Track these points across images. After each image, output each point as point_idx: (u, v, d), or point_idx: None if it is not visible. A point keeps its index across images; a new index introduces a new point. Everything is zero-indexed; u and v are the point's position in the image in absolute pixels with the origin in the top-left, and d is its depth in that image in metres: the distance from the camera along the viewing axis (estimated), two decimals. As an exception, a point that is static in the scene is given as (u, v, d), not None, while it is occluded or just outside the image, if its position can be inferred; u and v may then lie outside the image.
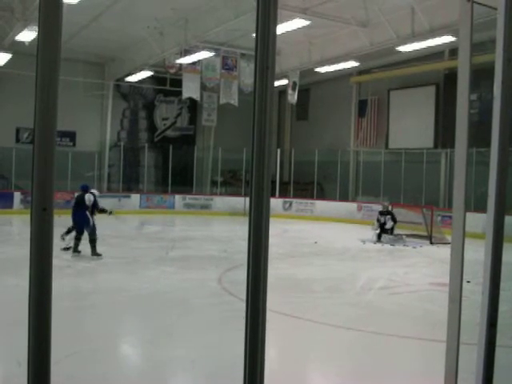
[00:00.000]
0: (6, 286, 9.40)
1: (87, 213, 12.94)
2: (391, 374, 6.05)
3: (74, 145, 27.35)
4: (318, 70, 24.65)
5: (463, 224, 3.06)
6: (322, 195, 28.70)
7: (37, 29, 1.73)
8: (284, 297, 9.20)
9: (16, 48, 20.85)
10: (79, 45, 21.79)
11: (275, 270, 10.22)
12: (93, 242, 12.82)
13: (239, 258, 11.21)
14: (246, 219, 2.26)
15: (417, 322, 8.41)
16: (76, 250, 12.87)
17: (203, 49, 22.71)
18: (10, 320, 6.88)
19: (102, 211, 13.66)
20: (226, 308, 8.62)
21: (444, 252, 12.89)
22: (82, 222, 12.91)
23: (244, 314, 2.23)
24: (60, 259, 11.70)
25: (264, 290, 2.23)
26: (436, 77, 23.84)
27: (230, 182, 30.97)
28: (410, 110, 25.04)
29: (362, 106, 27.95)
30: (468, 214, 3.10)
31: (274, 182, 27.65)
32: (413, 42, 18.60)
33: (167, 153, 29.07)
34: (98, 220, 13.39)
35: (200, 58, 23.80)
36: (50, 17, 1.71)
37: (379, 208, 19.60)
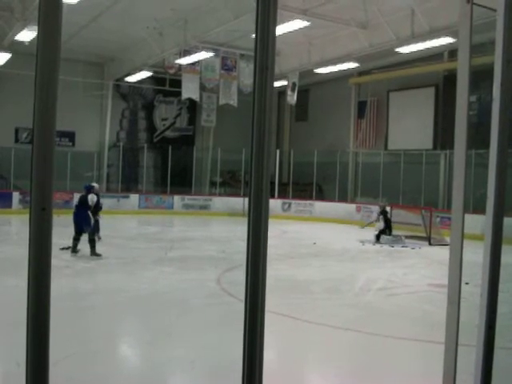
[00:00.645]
0: (5, 286, 9.39)
1: (89, 213, 12.96)
2: (389, 375, 6.05)
3: (73, 145, 27.36)
4: (317, 70, 24.67)
5: (462, 225, 3.06)
6: (321, 196, 28.71)
7: (36, 29, 1.73)
8: (283, 298, 9.19)
9: (15, 48, 20.85)
10: (79, 45, 21.80)
11: (274, 271, 10.21)
12: (92, 241, 12.83)
13: (238, 259, 11.22)
14: (245, 220, 2.26)
15: (415, 324, 8.40)
16: (74, 249, 12.89)
17: (203, 49, 22.71)
18: (8, 320, 6.87)
19: (100, 210, 13.57)
20: (224, 308, 8.61)
21: (443, 253, 12.89)
22: (82, 222, 12.92)
23: (243, 315, 2.23)
24: (59, 259, 11.69)
25: (263, 290, 2.23)
26: (435, 78, 23.85)
27: (229, 183, 30.98)
28: (410, 111, 25.05)
29: (362, 107, 27.96)
30: (467, 216, 3.10)
31: (273, 183, 27.66)
32: (412, 43, 18.62)
33: (166, 153, 29.07)
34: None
35: (199, 58, 23.81)
36: (50, 17, 1.71)
37: (378, 209, 19.64)
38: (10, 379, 5.31)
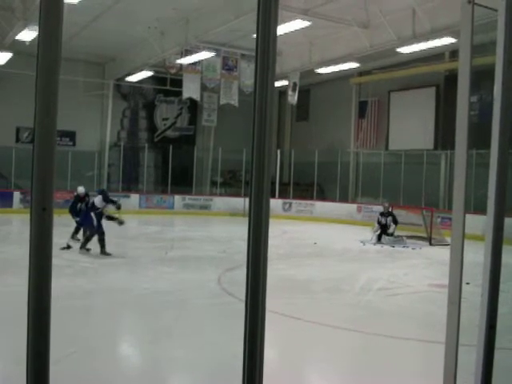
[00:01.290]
0: (6, 285, 9.40)
1: (92, 214, 13.13)
2: (390, 375, 6.04)
3: (74, 144, 27.36)
4: (318, 70, 24.66)
5: (463, 225, 3.06)
6: (322, 196, 28.70)
7: (37, 28, 1.73)
8: (283, 297, 9.19)
9: (16, 47, 20.87)
10: (80, 44, 21.81)
11: (275, 271, 10.21)
12: (101, 241, 13.05)
13: (239, 259, 11.23)
14: (246, 220, 2.26)
15: (416, 324, 8.40)
16: (84, 247, 13.26)
17: (204, 49, 22.73)
18: (9, 319, 6.88)
19: (111, 218, 13.79)
20: (225, 308, 8.62)
21: (443, 253, 12.89)
22: (85, 223, 13.18)
23: (243, 315, 2.23)
24: (59, 259, 11.69)
25: (263, 290, 2.23)
26: (436, 78, 23.84)
27: (229, 183, 30.98)
28: (411, 112, 25.04)
29: (363, 107, 27.96)
30: (468, 216, 3.10)
31: (273, 183, 27.67)
32: (413, 43, 18.61)
33: (167, 153, 29.07)
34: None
35: (200, 58, 23.82)
36: (51, 16, 1.71)
37: (379, 209, 19.60)
38: (10, 378, 5.31)
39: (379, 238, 18.07)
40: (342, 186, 28.10)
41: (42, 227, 1.71)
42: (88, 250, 13.18)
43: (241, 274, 2.41)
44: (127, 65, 25.94)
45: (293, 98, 26.08)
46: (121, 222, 13.65)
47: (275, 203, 26.51)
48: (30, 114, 1.84)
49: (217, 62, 24.96)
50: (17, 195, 24.01)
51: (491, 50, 3.10)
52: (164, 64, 24.79)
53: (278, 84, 26.57)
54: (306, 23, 18.22)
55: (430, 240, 18.12)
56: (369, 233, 18.87)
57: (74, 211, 15.09)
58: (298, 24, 18.14)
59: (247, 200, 2.26)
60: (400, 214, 19.88)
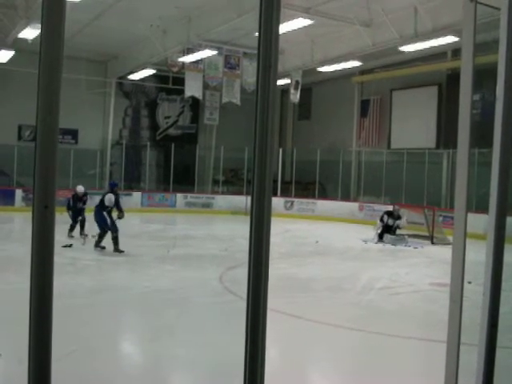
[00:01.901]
0: (8, 283, 9.42)
1: (104, 213, 13.17)
2: (391, 374, 6.04)
3: (76, 142, 27.36)
4: (320, 69, 24.64)
5: (465, 224, 3.06)
6: (324, 195, 28.68)
7: (40, 26, 1.73)
8: (285, 296, 9.20)
9: (19, 45, 20.87)
10: (82, 42, 21.80)
11: (276, 270, 10.22)
12: (115, 239, 13.13)
13: (240, 257, 11.23)
14: (248, 218, 2.26)
15: (418, 323, 8.40)
16: (98, 245, 13.37)
17: (206, 47, 22.72)
18: (10, 317, 6.89)
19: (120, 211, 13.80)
20: (226, 307, 8.62)
21: (445, 252, 12.87)
22: (98, 222, 13.21)
23: (245, 313, 2.23)
24: (61, 257, 11.71)
25: (265, 289, 2.23)
26: (439, 77, 23.81)
27: (231, 181, 30.98)
28: (413, 110, 25.01)
29: (365, 106, 27.94)
30: (469, 215, 3.10)
31: (275, 182, 27.64)
32: (416, 42, 18.58)
33: (169, 151, 29.06)
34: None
35: (203, 56, 23.81)
36: (53, 14, 1.71)
37: (381, 208, 19.56)
38: (12, 376, 5.32)
39: (381, 236, 18.04)
40: (343, 185, 28.08)
41: (43, 225, 1.71)
42: (103, 247, 13.26)
43: (242, 273, 2.41)
44: (129, 63, 25.93)
45: (295, 96, 26.06)
46: (120, 217, 13.65)
47: (277, 202, 26.52)
48: (32, 112, 1.84)
49: (219, 60, 24.95)
50: (19, 193, 24.03)
51: (494, 49, 3.09)
52: (166, 62, 24.78)
53: (280, 82, 26.54)
54: (308, 22, 18.20)
55: (431, 239, 18.11)
56: (371, 231, 18.84)
57: (71, 209, 15.23)
58: (300, 22, 18.12)
59: (249, 198, 2.26)
60: (402, 212, 19.86)
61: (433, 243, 17.85)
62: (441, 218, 19.74)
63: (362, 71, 27.11)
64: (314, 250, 15.91)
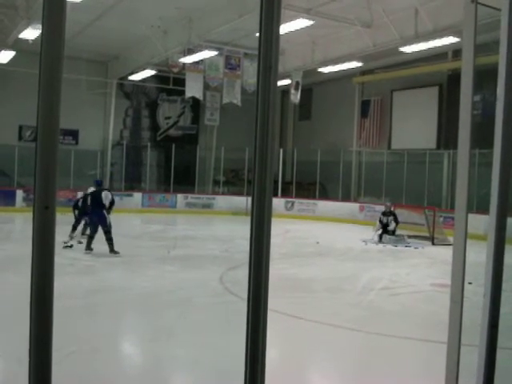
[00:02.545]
0: (8, 283, 9.42)
1: (104, 212, 13.08)
2: (392, 375, 6.04)
3: (77, 143, 27.39)
4: (321, 69, 24.65)
5: (465, 225, 3.06)
6: (324, 195, 28.68)
7: (40, 27, 1.73)
8: (285, 297, 9.19)
9: (20, 46, 20.89)
10: (83, 43, 21.81)
11: (277, 270, 10.21)
12: (110, 240, 12.96)
13: (241, 258, 11.23)
14: (248, 219, 2.26)
15: (418, 323, 8.40)
16: (89, 247, 13.05)
17: (206, 48, 22.72)
18: (11, 318, 6.89)
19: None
20: (227, 307, 8.61)
21: (446, 253, 12.87)
22: (99, 222, 13.07)
23: (245, 314, 2.23)
24: (62, 257, 11.71)
25: (265, 289, 2.23)
26: (439, 78, 23.82)
27: (232, 182, 30.98)
28: (413, 111, 25.01)
29: (365, 107, 27.94)
30: (470, 216, 3.10)
31: (276, 182, 27.63)
32: (416, 42, 18.60)
33: (170, 152, 29.07)
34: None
35: (203, 57, 23.81)
36: (54, 15, 1.72)
37: (382, 209, 19.60)
38: (12, 377, 5.32)
39: (381, 237, 18.06)
40: (344, 186, 28.09)
41: (44, 225, 1.72)
42: (91, 249, 13.12)
43: (243, 273, 2.41)
44: (130, 64, 25.94)
45: (295, 97, 26.06)
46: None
47: (277, 202, 26.53)
48: (32, 113, 1.84)
49: (219, 60, 24.96)
50: (19, 193, 24.04)
51: (494, 50, 3.10)
52: (167, 63, 24.79)
53: (280, 83, 26.54)
54: (309, 22, 18.21)
55: (432, 239, 18.11)
56: (371, 232, 18.85)
57: (77, 209, 15.11)
58: (300, 23, 18.13)
59: (249, 199, 2.26)
60: (402, 213, 19.88)
61: (433, 244, 17.85)
62: (441, 219, 19.74)
63: (362, 72, 27.12)
64: (315, 251, 15.91)
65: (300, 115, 32.43)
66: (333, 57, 22.54)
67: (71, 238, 14.22)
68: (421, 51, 19.88)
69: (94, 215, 13.34)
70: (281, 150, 29.85)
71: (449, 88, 23.41)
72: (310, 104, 31.22)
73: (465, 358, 3.11)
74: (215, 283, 10.38)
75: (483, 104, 20.11)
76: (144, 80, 27.97)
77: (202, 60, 24.50)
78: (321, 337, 7.47)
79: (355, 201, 27.37)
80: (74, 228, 15.02)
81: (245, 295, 2.24)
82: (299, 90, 25.81)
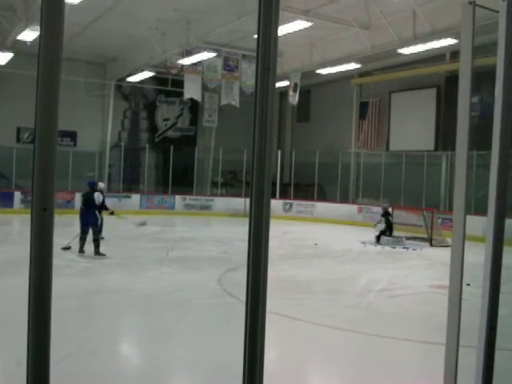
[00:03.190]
0: (6, 285, 9.40)
1: (96, 212, 13.05)
2: (390, 376, 6.04)
3: (75, 145, 27.36)
4: (319, 71, 24.67)
5: (463, 226, 3.06)
6: (323, 197, 28.69)
7: (39, 28, 1.73)
8: (284, 298, 9.19)
9: (18, 47, 20.87)
10: (81, 45, 21.79)
11: (275, 272, 10.20)
12: (96, 241, 12.93)
13: (239, 259, 11.22)
14: (247, 220, 2.26)
15: (416, 325, 8.40)
16: (81, 249, 13.01)
17: (205, 50, 22.72)
18: (9, 319, 6.88)
19: (106, 209, 13.77)
20: (225, 309, 8.61)
21: (444, 254, 12.87)
22: (90, 222, 13.02)
23: (244, 315, 2.23)
24: (60, 259, 11.69)
25: (264, 291, 2.23)
26: (437, 79, 23.84)
27: (230, 183, 30.97)
28: (411, 113, 25.04)
29: (363, 108, 27.95)
30: (468, 217, 3.10)
31: (274, 184, 27.65)
32: (414, 44, 18.62)
33: (168, 153, 29.06)
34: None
35: (201, 58, 23.82)
36: (52, 16, 1.71)
37: (380, 210, 19.64)
38: (10, 378, 5.31)
39: (378, 239, 18.09)
40: (342, 187, 28.10)
41: (42, 227, 1.71)
42: (84, 251, 13.05)
43: (241, 275, 2.41)
44: (128, 65, 25.94)
45: (294, 98, 26.07)
46: (112, 212, 13.53)
47: (276, 204, 26.53)
48: (31, 114, 1.84)
49: (218, 62, 24.96)
50: (17, 195, 24.00)
51: (492, 51, 3.10)
52: (165, 64, 24.80)
53: (278, 85, 26.53)
54: (307, 24, 18.22)
55: (430, 241, 18.13)
56: (369, 233, 18.85)
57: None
58: (299, 25, 18.14)
59: (248, 200, 2.26)
60: (401, 214, 19.90)
61: (432, 245, 17.86)
62: (439, 220, 19.75)
63: (360, 73, 27.15)
64: (313, 252, 15.91)
65: (298, 117, 32.44)
66: (331, 58, 22.56)
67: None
68: (419, 53, 19.90)
69: (86, 215, 13.27)
70: (279, 152, 29.85)
71: (447, 89, 23.44)
72: (309, 105, 31.24)
73: (463, 359, 3.11)
74: (213, 285, 10.37)
75: (481, 105, 20.15)
76: (142, 81, 27.98)
77: (200, 61, 24.52)
78: (319, 338, 7.47)
79: (353, 202, 27.38)
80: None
81: (243, 297, 2.24)
82: (297, 92, 25.82)
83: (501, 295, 3.01)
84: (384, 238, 18.01)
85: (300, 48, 23.32)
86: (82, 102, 25.30)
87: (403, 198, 24.32)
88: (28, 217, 1.70)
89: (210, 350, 6.55)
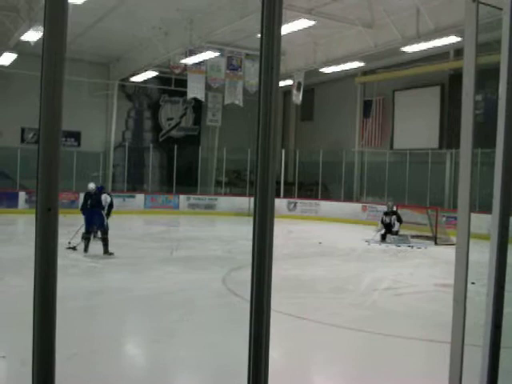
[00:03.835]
0: (11, 285, 9.43)
1: (103, 213, 13.17)
2: (395, 375, 6.04)
3: (79, 145, 27.43)
4: (322, 70, 24.64)
5: (468, 225, 3.05)
6: (327, 196, 28.67)
7: (42, 29, 1.73)
8: (288, 297, 9.19)
9: (21, 48, 20.92)
10: (84, 45, 21.80)
11: (280, 271, 10.22)
12: (105, 240, 13.02)
13: (243, 259, 11.23)
14: (251, 219, 2.26)
15: (421, 323, 8.39)
16: (86, 249, 13.15)
17: (208, 49, 22.72)
18: (14, 319, 6.90)
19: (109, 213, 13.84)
20: (230, 308, 8.62)
21: (449, 253, 12.86)
22: (97, 223, 13.16)
23: (248, 315, 2.23)
24: (65, 259, 11.72)
25: (268, 290, 2.23)
26: (441, 77, 23.80)
27: (234, 183, 30.98)
28: (415, 111, 25.00)
29: (367, 107, 27.93)
30: (473, 215, 3.09)
31: (278, 183, 27.65)
32: (418, 42, 18.57)
33: (172, 153, 29.10)
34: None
35: (205, 58, 23.81)
36: (56, 17, 1.72)
37: (384, 209, 19.58)
38: (16, 378, 5.32)
39: (384, 237, 18.06)
40: (346, 186, 28.09)
41: (47, 227, 1.72)
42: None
43: (246, 274, 2.41)
44: (132, 65, 25.97)
45: (297, 97, 26.05)
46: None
47: (280, 203, 26.53)
48: (34, 115, 1.84)
49: (221, 61, 24.96)
50: (22, 195, 24.07)
51: (496, 49, 3.09)
52: (168, 64, 24.81)
53: (282, 84, 26.53)
54: (311, 23, 18.20)
55: (435, 239, 18.09)
56: (374, 232, 18.83)
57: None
58: (302, 23, 18.12)
59: (252, 200, 2.26)
60: (405, 213, 19.87)
61: (436, 244, 17.83)
62: (444, 219, 19.72)
63: (364, 72, 27.11)
64: (318, 251, 15.90)
65: (302, 116, 32.43)
66: (334, 57, 22.52)
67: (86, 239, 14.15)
68: (422, 51, 19.88)
69: (92, 215, 13.39)
70: (283, 151, 29.86)
71: (450, 87, 23.38)
72: (312, 104, 31.22)
73: (468, 358, 3.10)
74: (218, 284, 10.38)
75: (485, 103, 20.10)
76: (146, 81, 28.01)
77: (203, 61, 24.52)
78: (324, 337, 7.47)
79: (358, 201, 27.37)
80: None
81: (248, 296, 2.24)
82: (301, 91, 25.80)
83: (506, 293, 3.01)
84: (391, 237, 17.97)
85: (303, 47, 23.31)
86: (85, 102, 25.34)
87: (407, 197, 24.30)
88: (32, 217, 1.70)
89: (214, 349, 6.55)
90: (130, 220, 21.87)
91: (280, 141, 31.75)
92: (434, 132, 24.44)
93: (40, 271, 1.71)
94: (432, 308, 9.24)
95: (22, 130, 26.10)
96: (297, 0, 17.00)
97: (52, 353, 1.75)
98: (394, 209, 19.03)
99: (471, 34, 3.01)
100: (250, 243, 2.21)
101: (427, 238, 18.52)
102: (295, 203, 27.97)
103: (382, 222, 18.44)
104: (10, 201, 23.78)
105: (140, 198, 27.18)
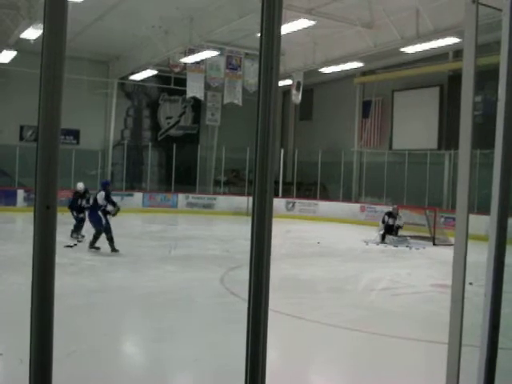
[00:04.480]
0: (9, 283, 9.42)
1: (99, 212, 13.11)
2: (392, 375, 6.04)
3: (78, 143, 27.40)
4: (322, 70, 24.64)
5: (466, 226, 3.05)
6: (325, 196, 28.69)
7: (42, 27, 1.74)
8: (286, 297, 9.19)
9: (21, 46, 20.91)
10: (84, 43, 21.82)
11: (278, 271, 10.21)
12: (110, 239, 12.99)
13: (242, 258, 11.22)
14: (249, 219, 2.26)
15: (419, 324, 8.39)
16: (93, 245, 13.20)
17: (208, 48, 22.74)
18: (12, 317, 6.89)
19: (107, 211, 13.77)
20: (228, 308, 8.62)
21: (447, 253, 12.85)
22: (93, 222, 13.15)
23: (246, 314, 2.23)
24: (63, 257, 11.71)
25: (266, 290, 2.23)
26: (440, 78, 23.81)
27: (233, 182, 30.98)
28: (414, 111, 25.01)
29: (366, 107, 27.93)
30: (471, 216, 3.09)
31: (277, 182, 27.64)
32: (417, 43, 18.59)
33: (171, 152, 29.09)
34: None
35: (204, 57, 23.83)
36: (55, 15, 1.72)
37: (383, 209, 19.56)
38: (13, 376, 5.32)
39: (383, 237, 18.06)
40: (345, 186, 28.10)
41: (45, 225, 1.72)
42: (98, 248, 13.17)
43: (244, 274, 2.41)
44: (131, 63, 25.97)
45: (296, 97, 26.06)
46: (114, 215, 13.62)
47: (278, 202, 26.52)
48: (34, 113, 1.84)
49: (221, 61, 24.97)
50: (20, 193, 24.06)
51: (495, 50, 3.09)
52: (168, 63, 24.81)
53: (281, 83, 26.53)
54: (310, 23, 18.20)
55: (433, 240, 18.10)
56: (372, 232, 18.84)
57: (74, 208, 15.17)
58: (301, 23, 18.12)
59: (251, 199, 2.26)
60: (403, 213, 19.86)
61: (434, 244, 17.84)
62: (442, 219, 19.73)
63: (363, 72, 27.11)
64: (316, 251, 15.91)
65: (301, 115, 32.43)
66: (334, 57, 22.53)
67: (76, 238, 14.24)
68: (422, 51, 19.89)
69: (89, 216, 13.48)
70: (282, 151, 29.87)
71: (450, 88, 23.39)
72: (311, 104, 31.21)
73: (466, 358, 3.10)
74: (216, 283, 10.38)
75: (484, 104, 20.11)
76: (145, 80, 27.99)
77: (203, 60, 24.53)
78: (322, 337, 7.47)
79: (356, 201, 27.37)
80: (76, 228, 15.02)
81: (246, 295, 2.24)
82: (300, 91, 25.82)
83: (504, 294, 3.01)
84: (389, 238, 17.97)
85: (303, 47, 23.32)
86: (84, 101, 25.35)
87: (406, 197, 24.32)
88: (31, 215, 1.70)
89: (212, 348, 6.55)
90: (128, 218, 21.85)
91: (279, 140, 31.75)
92: (433, 133, 24.45)
93: (38, 269, 1.71)
94: (429, 308, 9.25)
95: (21, 128, 26.08)
96: (297, 0, 16.99)
97: (49, 351, 1.75)
98: (400, 215, 18.78)
99: (471, 35, 3.01)
100: (249, 243, 2.21)
101: (425, 238, 18.52)
102: (294, 203, 27.97)
103: (383, 221, 18.37)
104: (9, 198, 23.77)
105: (138, 196, 27.19)
